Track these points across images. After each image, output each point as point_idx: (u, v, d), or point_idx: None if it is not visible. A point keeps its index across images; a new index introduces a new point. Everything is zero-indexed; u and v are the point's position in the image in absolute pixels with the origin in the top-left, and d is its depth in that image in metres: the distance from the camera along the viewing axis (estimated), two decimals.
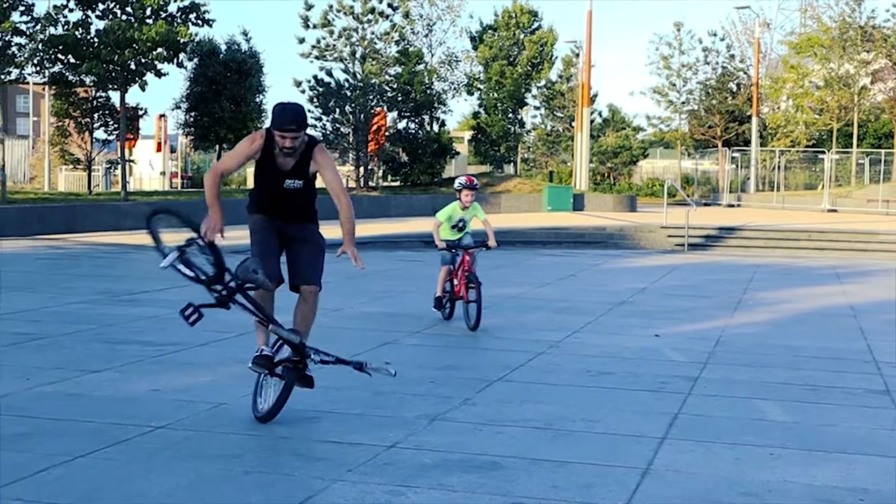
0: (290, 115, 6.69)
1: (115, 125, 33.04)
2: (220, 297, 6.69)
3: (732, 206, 43.67)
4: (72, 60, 30.63)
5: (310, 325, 7.01)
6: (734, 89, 53.00)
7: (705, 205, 42.96)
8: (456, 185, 11.72)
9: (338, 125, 40.85)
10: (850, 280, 18.85)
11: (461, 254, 11.43)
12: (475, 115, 52.02)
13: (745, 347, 10.72)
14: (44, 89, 40.45)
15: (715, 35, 53.59)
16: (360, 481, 5.63)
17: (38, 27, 28.69)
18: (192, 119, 34.96)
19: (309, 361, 6.74)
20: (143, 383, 8.05)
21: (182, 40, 30.79)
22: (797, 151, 47.70)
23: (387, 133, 42.00)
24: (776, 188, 45.30)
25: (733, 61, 53.18)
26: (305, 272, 6.92)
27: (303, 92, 40.69)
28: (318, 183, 7.00)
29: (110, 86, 31.56)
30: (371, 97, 40.82)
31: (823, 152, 43.97)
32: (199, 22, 31.46)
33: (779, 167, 46.57)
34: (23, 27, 28.32)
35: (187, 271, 6.75)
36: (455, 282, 11.57)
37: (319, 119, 40.28)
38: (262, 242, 6.98)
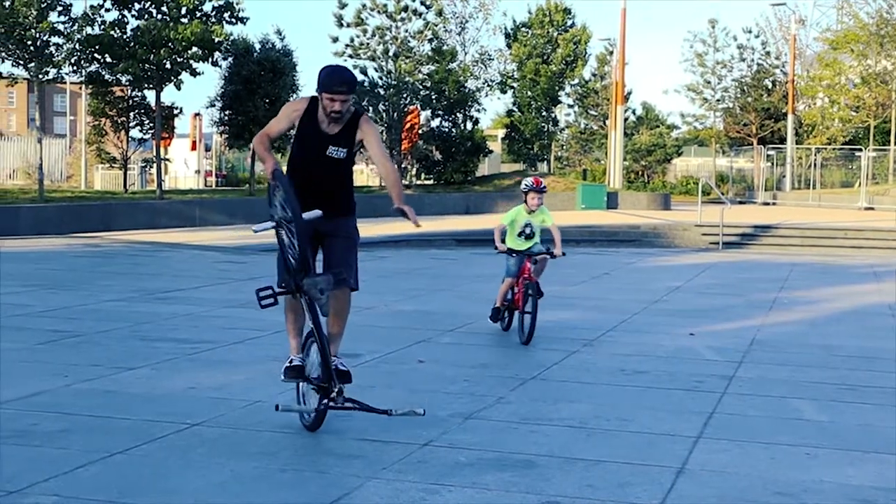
0: (340, 77, 6.42)
1: (151, 124, 33.26)
2: (287, 288, 6.52)
3: (768, 204, 43.38)
4: (108, 60, 30.86)
5: (343, 327, 6.79)
6: (769, 86, 52.65)
7: (740, 203, 42.71)
8: (522, 186, 10.77)
9: None
10: (887, 278, 18.67)
11: (523, 260, 10.54)
12: (509, 113, 51.94)
13: (780, 346, 10.64)
14: (80, 88, 40.78)
15: (750, 32, 53.29)
16: (394, 479, 5.64)
17: (76, 27, 28.92)
18: (226, 118, 35.11)
19: (332, 400, 6.35)
20: (178, 381, 8.10)
21: (217, 39, 30.95)
22: (833, 149, 47.32)
23: (420, 131, 42.04)
24: (812, 186, 44.98)
25: (768, 58, 52.84)
26: (341, 272, 6.60)
27: None
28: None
29: (146, 85, 31.77)
30: (405, 95, 40.86)
31: (860, 149, 43.59)
32: (234, 20, 31.61)
33: (815, 165, 46.24)
34: (60, 27, 28.56)
35: (277, 243, 6.60)
36: (515, 290, 10.73)
37: None
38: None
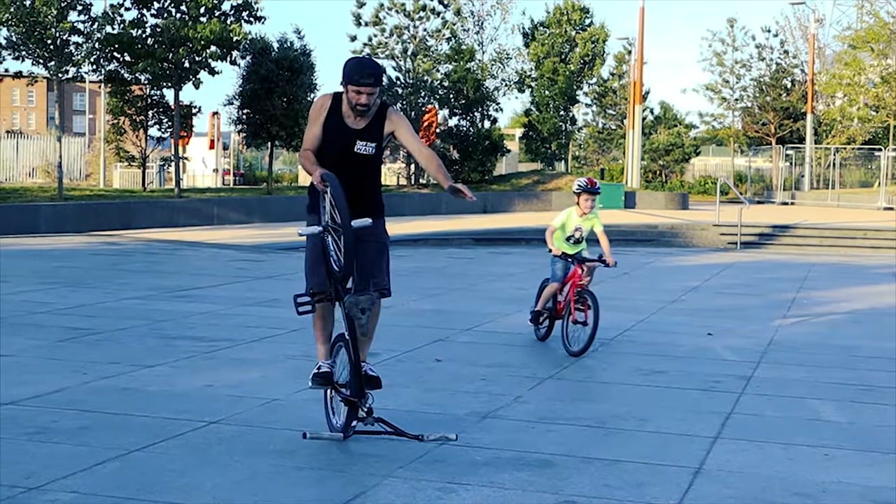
0: (366, 68, 6.19)
1: (170, 123, 33.36)
2: (331, 292, 6.28)
3: (786, 203, 43.21)
4: (127, 59, 30.97)
5: (373, 333, 6.45)
6: (788, 86, 52.47)
7: (758, 203, 42.55)
8: (574, 187, 10.07)
9: None
10: None
11: (572, 266, 9.93)
12: (526, 112, 51.90)
13: (799, 347, 10.61)
14: (100, 87, 40.92)
15: (769, 31, 53.14)
16: (411, 478, 5.65)
17: (95, 26, 29.04)
18: (244, 116, 35.15)
19: (361, 420, 6.13)
20: (196, 379, 8.12)
21: (235, 38, 31.02)
22: (853, 149, 47.10)
23: (438, 130, 42.03)
24: (831, 186, 44.77)
25: (787, 57, 52.67)
26: (374, 278, 6.28)
27: None
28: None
29: (165, 84, 31.86)
30: (422, 94, 40.87)
31: (880, 149, 43.37)
32: (252, 19, 31.68)
33: (834, 164, 46.02)
34: (80, 26, 28.68)
35: (307, 247, 6.36)
36: (559, 298, 10.07)
37: None
38: (317, 246, 6.32)
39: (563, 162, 54.31)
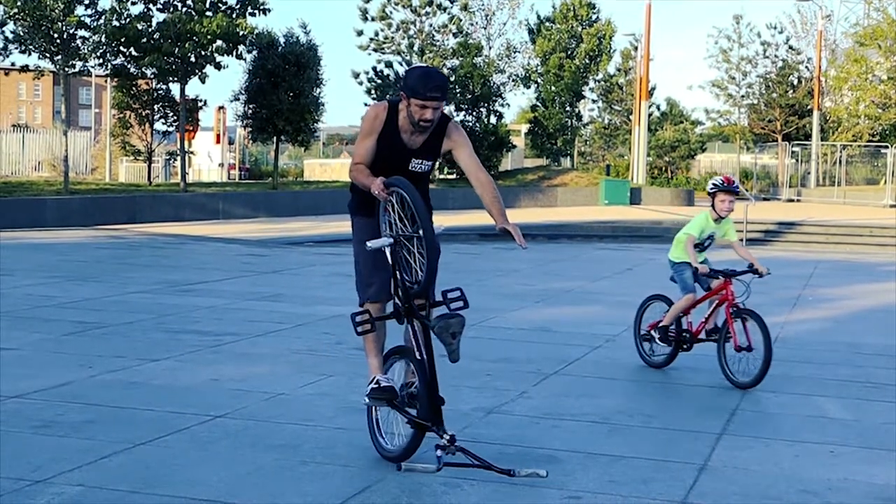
0: (434, 80, 5.57)
1: (175, 117, 33.37)
2: (400, 309, 5.74)
3: (792, 200, 43.16)
4: (133, 53, 30.99)
5: None
6: (795, 83, 52.39)
7: (764, 199, 42.51)
8: (709, 186, 8.67)
9: None
10: None
11: (706, 280, 8.63)
12: (533, 107, 51.87)
13: (804, 344, 10.59)
14: (106, 81, 40.94)
15: (774, 28, 53.02)
16: (416, 473, 5.64)
17: (102, 21, 29.05)
18: (250, 111, 35.16)
19: (441, 448, 5.35)
20: (201, 373, 8.13)
21: (241, 33, 31.02)
22: (859, 146, 47.02)
23: None
24: (837, 183, 44.71)
25: (792, 52, 52.59)
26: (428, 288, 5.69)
27: (360, 84, 40.88)
28: None
29: (171, 78, 31.87)
30: None
31: (886, 147, 43.29)
32: (256, 12, 31.68)
33: (840, 162, 45.96)
34: (87, 20, 28.69)
35: (389, 262, 5.71)
36: (688, 318, 8.76)
37: None
38: (371, 254, 5.79)
39: (568, 158, 54.27)
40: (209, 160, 55.88)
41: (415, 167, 5.81)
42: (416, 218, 5.43)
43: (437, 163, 5.91)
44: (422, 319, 5.66)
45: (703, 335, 8.64)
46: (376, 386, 5.80)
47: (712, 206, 8.59)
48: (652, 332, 8.87)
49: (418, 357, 5.63)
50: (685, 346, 8.71)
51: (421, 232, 5.41)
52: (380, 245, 5.58)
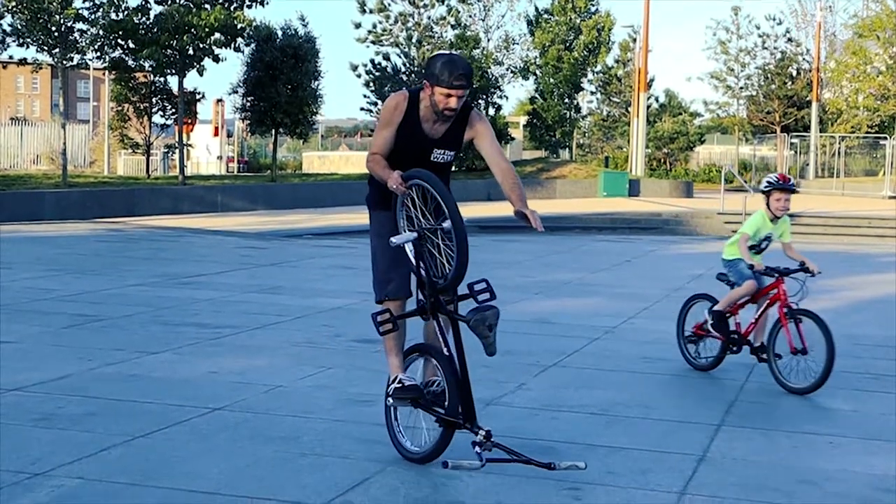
0: (460, 67, 5.41)
1: (173, 110, 33.31)
2: (425, 305, 5.59)
3: None
4: (131, 46, 30.93)
5: None
6: (793, 74, 52.38)
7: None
8: (763, 184, 8.25)
9: None
10: None
11: (761, 280, 8.31)
12: (531, 100, 51.85)
13: (804, 335, 10.56)
14: (104, 74, 40.88)
15: (773, 20, 53.01)
16: (415, 464, 5.65)
17: (100, 13, 29.01)
18: (248, 104, 35.13)
19: (478, 445, 5.25)
20: (200, 365, 8.13)
21: (240, 25, 30.97)
22: (857, 137, 47.00)
23: None
24: (836, 174, 44.68)
25: (791, 44, 52.58)
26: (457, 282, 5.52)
27: (359, 76, 40.81)
28: None
29: (169, 71, 31.82)
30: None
31: (885, 138, 43.27)
32: (253, 4, 31.62)
33: (839, 153, 45.94)
34: (85, 13, 28.65)
35: (412, 258, 5.55)
36: (735, 318, 8.42)
37: (375, 104, 40.35)
38: (390, 249, 5.60)
39: (567, 150, 54.24)
40: (207, 153, 55.87)
41: (437, 158, 5.67)
42: (444, 208, 5.27)
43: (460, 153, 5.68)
44: (450, 314, 5.49)
45: (751, 337, 8.25)
46: (399, 385, 5.63)
47: (767, 205, 8.18)
48: (699, 329, 8.50)
49: (446, 353, 5.48)
50: (734, 348, 8.33)
51: (446, 224, 5.28)
52: (405, 240, 5.43)
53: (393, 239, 5.41)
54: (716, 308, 8.33)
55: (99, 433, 6.07)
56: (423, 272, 5.50)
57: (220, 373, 7.88)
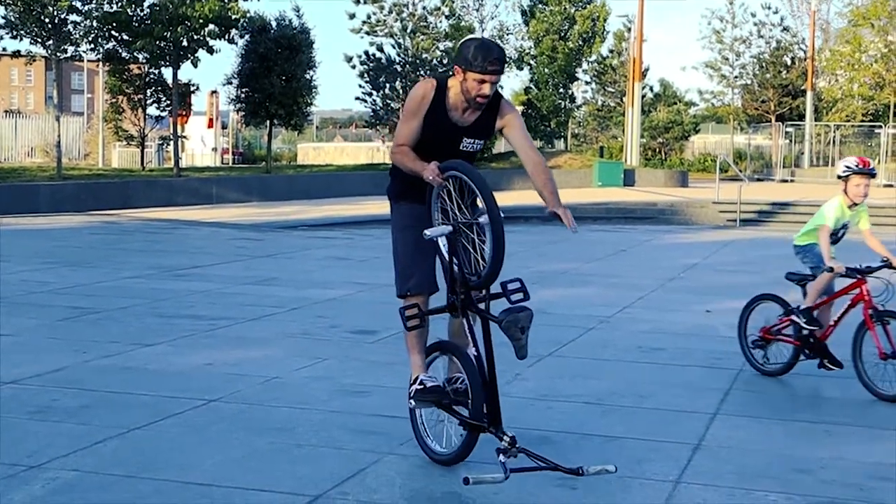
0: (494, 52, 5.21)
1: (168, 101, 33.25)
2: (456, 302, 5.43)
3: (786, 181, 43.16)
4: (125, 37, 30.86)
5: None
6: (788, 63, 52.37)
7: (758, 180, 42.50)
8: (841, 169, 7.59)
9: (388, 101, 40.87)
10: None
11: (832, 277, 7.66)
12: (526, 90, 51.80)
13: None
14: (98, 66, 40.81)
15: (769, 8, 53.00)
16: (411, 455, 5.65)
17: (94, 4, 28.93)
18: (243, 95, 35.08)
19: (503, 452, 5.04)
20: (195, 357, 8.13)
21: (234, 16, 30.92)
22: (852, 126, 47.02)
23: None
24: (831, 163, 44.68)
25: (786, 33, 52.57)
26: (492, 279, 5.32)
27: (353, 67, 40.72)
28: None
29: (163, 62, 31.76)
30: (422, 72, 40.76)
31: (880, 126, 43.30)
32: None
33: (834, 142, 45.95)
34: (78, 5, 28.57)
35: (445, 254, 5.39)
36: (821, 319, 7.78)
37: (370, 94, 40.31)
38: (413, 243, 5.47)
39: (562, 140, 54.21)
40: (202, 144, 55.83)
41: (466, 147, 5.46)
42: (483, 201, 5.08)
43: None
44: (481, 313, 5.32)
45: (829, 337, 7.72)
46: (421, 387, 5.45)
47: (844, 191, 7.58)
48: (767, 333, 7.99)
49: (475, 353, 5.33)
50: (808, 352, 7.75)
51: (482, 219, 5.11)
52: (439, 234, 5.24)
53: (427, 232, 5.23)
54: (803, 307, 7.77)
55: (94, 425, 6.07)
56: (455, 268, 5.34)
57: (215, 364, 7.88)
